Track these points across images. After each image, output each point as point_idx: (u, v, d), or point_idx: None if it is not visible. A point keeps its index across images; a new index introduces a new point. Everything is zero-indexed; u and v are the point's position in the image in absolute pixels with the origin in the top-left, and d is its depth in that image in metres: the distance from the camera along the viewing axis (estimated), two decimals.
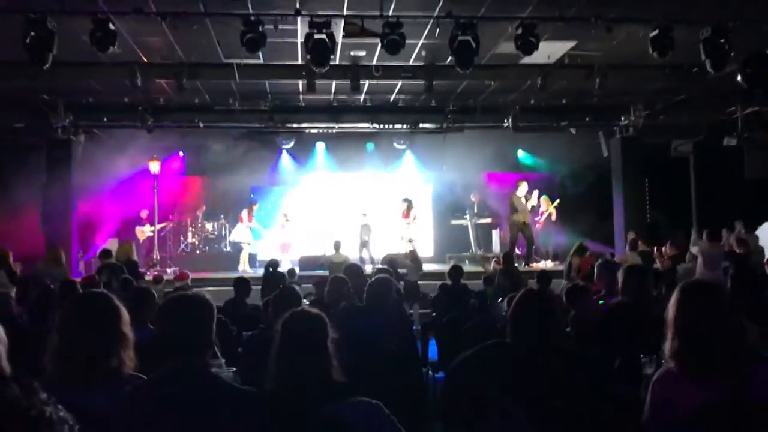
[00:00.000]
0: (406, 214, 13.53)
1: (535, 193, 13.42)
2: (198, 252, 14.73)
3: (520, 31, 7.40)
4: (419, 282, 9.49)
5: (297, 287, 4.54)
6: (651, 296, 4.06)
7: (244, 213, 13.39)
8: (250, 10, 7.29)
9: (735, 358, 2.18)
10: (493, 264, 10.37)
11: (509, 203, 13.10)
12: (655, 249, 9.50)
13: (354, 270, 5.46)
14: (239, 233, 13.33)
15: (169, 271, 12.17)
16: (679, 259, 9.46)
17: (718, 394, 2.12)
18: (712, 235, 8.73)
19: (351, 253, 12.73)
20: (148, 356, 2.43)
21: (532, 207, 13.21)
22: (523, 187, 13.23)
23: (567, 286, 5.43)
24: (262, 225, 13.84)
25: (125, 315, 2.41)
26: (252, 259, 13.48)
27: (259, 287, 7.39)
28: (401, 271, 9.08)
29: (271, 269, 8.26)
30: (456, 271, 7.46)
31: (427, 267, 12.35)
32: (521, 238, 12.99)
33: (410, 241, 12.88)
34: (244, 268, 12.83)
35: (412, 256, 9.94)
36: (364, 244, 13.26)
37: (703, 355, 2.18)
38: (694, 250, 9.06)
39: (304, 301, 4.29)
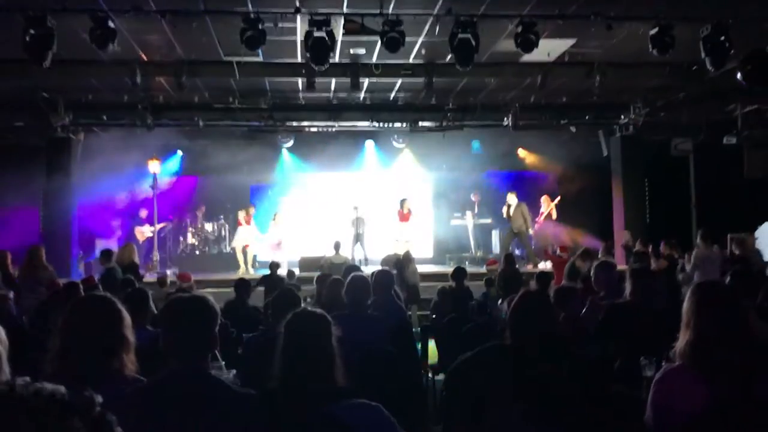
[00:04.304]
0: (404, 215, 13.44)
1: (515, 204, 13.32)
2: (198, 253, 14.70)
3: (519, 28, 7.39)
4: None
5: (296, 290, 4.53)
6: (657, 298, 4.06)
7: (242, 216, 13.34)
8: (250, 8, 7.28)
9: (746, 357, 2.20)
10: (487, 267, 10.31)
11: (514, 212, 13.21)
12: (650, 249, 9.46)
13: (353, 271, 5.44)
14: (241, 236, 13.26)
15: (168, 272, 12.15)
16: (673, 259, 9.42)
17: (728, 392, 2.14)
18: (705, 237, 8.68)
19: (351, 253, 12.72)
20: (145, 358, 2.44)
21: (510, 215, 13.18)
22: (511, 198, 13.21)
23: (555, 288, 5.40)
24: (260, 226, 13.77)
25: (127, 318, 2.42)
26: (253, 260, 13.46)
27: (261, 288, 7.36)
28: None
29: (271, 271, 8.26)
30: (459, 273, 7.39)
31: (426, 268, 12.33)
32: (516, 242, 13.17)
33: (406, 241, 12.85)
34: (246, 270, 12.81)
35: (408, 257, 9.86)
36: (357, 238, 13.18)
37: (716, 354, 2.20)
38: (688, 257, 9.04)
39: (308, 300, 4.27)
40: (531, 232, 12.97)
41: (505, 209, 13.01)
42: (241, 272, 12.62)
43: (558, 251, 11.88)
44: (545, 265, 12.03)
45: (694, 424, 2.08)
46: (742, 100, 11.53)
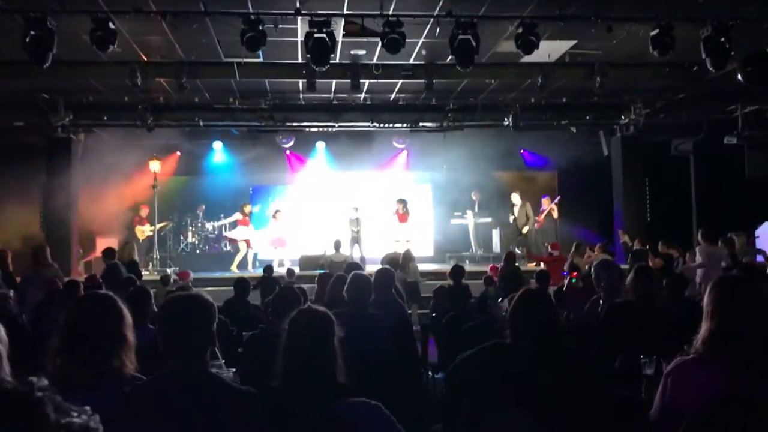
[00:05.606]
0: (402, 215, 13.42)
1: (519, 202, 13.39)
2: (198, 252, 14.72)
3: (520, 30, 7.40)
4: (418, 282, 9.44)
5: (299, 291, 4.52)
6: (656, 296, 4.07)
7: (238, 215, 13.36)
8: (250, 9, 7.29)
9: (766, 350, 2.21)
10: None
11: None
12: (648, 248, 9.45)
13: (355, 269, 5.44)
14: (239, 233, 13.30)
15: (169, 270, 12.17)
16: (670, 258, 9.40)
17: (745, 384, 2.14)
18: (707, 234, 8.67)
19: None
20: (147, 356, 2.44)
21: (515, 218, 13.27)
22: (515, 197, 13.33)
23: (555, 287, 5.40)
24: (259, 223, 13.77)
25: (128, 317, 2.42)
26: (253, 258, 13.48)
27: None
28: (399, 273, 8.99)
29: (266, 273, 8.31)
30: (457, 272, 7.39)
31: (426, 267, 12.33)
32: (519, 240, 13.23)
33: (407, 241, 12.82)
34: (246, 268, 12.83)
35: (408, 256, 9.84)
36: (355, 239, 13.19)
37: (737, 344, 2.21)
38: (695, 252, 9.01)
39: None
40: (525, 231, 13.02)
41: (511, 216, 13.06)
42: (233, 268, 12.66)
43: (549, 250, 11.90)
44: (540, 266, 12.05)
45: (706, 415, 2.06)
46: (742, 100, 11.54)
